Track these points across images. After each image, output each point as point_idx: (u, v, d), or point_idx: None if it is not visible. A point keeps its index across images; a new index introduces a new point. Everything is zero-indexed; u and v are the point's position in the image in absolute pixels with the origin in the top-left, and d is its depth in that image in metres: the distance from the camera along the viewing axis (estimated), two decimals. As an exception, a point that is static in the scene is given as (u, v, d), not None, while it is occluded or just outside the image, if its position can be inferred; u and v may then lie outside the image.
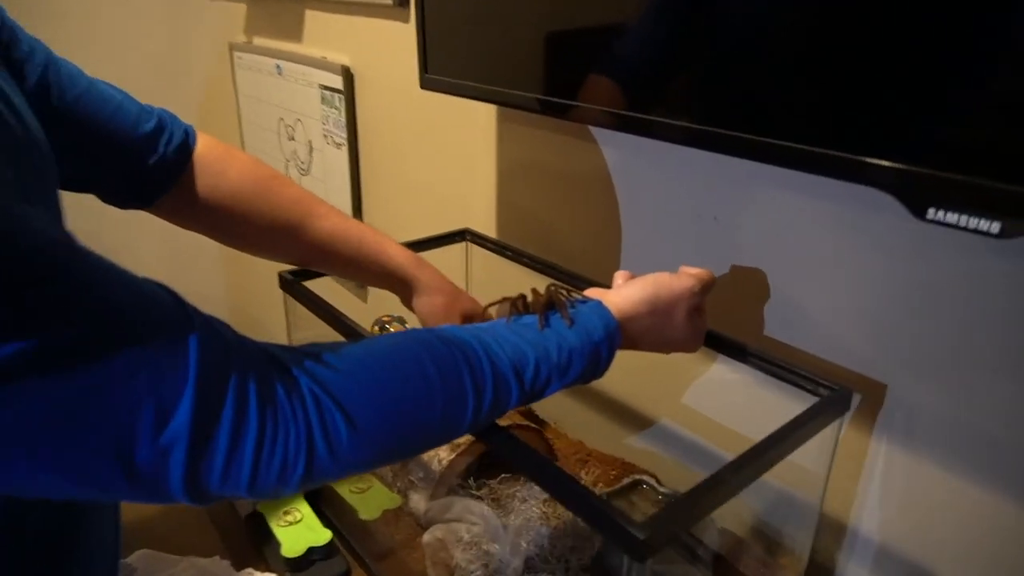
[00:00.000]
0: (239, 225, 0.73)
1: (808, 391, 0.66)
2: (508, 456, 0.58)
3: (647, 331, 0.62)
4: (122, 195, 0.69)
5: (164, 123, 0.69)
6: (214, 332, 0.42)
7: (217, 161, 0.71)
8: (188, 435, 0.39)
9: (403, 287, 0.79)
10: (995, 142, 0.48)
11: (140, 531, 0.92)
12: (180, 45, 1.83)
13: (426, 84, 0.96)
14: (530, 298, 0.60)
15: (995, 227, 0.48)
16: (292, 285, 0.86)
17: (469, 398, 0.52)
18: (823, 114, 0.55)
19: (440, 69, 0.93)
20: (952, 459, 0.68)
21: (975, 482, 0.67)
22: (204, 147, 0.71)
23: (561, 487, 0.54)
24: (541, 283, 0.93)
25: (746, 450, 0.55)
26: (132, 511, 0.77)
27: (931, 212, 0.51)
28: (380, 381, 0.48)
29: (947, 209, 0.50)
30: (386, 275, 0.78)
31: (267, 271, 0.90)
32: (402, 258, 0.78)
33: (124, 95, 0.68)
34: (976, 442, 0.66)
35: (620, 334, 0.59)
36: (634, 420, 0.97)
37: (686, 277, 0.64)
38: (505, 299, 0.62)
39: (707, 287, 0.66)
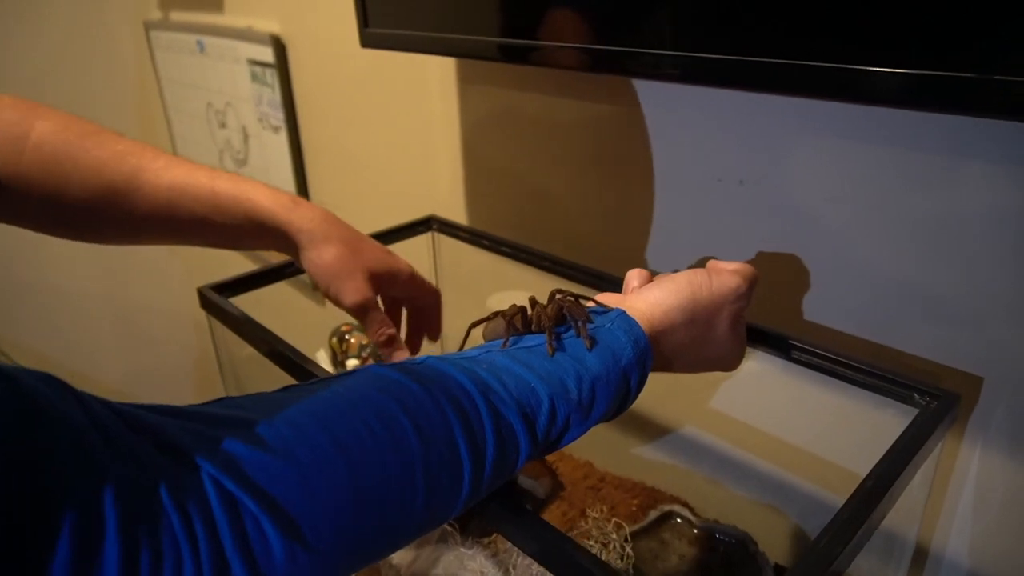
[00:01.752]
0: (46, 201, 0.53)
1: (892, 396, 0.51)
2: (479, 514, 0.42)
3: (683, 348, 0.47)
4: None
5: None
6: (22, 413, 0.24)
7: (16, 123, 0.52)
8: None
9: (284, 242, 0.58)
10: None
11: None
12: (89, 28, 1.60)
13: (368, 41, 0.78)
14: (530, 311, 0.44)
15: None
16: (215, 303, 0.68)
17: (465, 467, 0.35)
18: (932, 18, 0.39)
19: (383, 21, 0.76)
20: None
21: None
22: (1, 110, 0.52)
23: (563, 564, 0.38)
24: (529, 277, 0.77)
25: (850, 500, 0.39)
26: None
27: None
28: (332, 458, 0.31)
29: None
30: (255, 230, 0.57)
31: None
32: (270, 201, 0.56)
33: None
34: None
35: (652, 353, 0.43)
36: (652, 431, 0.81)
37: (728, 275, 0.48)
38: (498, 314, 0.45)
39: (753, 285, 0.50)
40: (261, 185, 0.57)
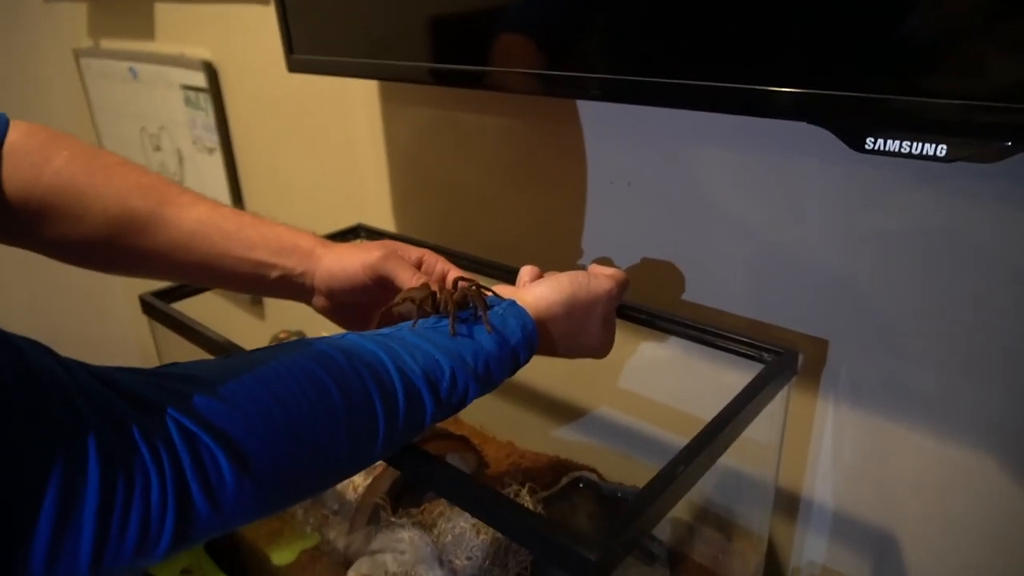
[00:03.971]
0: (61, 227, 0.54)
1: (749, 357, 0.60)
2: (422, 480, 0.49)
3: (563, 336, 0.56)
4: None
5: None
6: (24, 375, 0.30)
7: (36, 150, 0.54)
8: None
9: (302, 257, 0.58)
10: (934, 55, 0.42)
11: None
12: (17, 56, 1.62)
13: (294, 66, 0.85)
14: (439, 295, 0.51)
15: (941, 150, 0.43)
16: (158, 308, 0.73)
17: (380, 421, 0.43)
18: (735, 45, 0.48)
19: (308, 47, 0.83)
20: (903, 412, 0.64)
21: (929, 433, 0.63)
22: (20, 136, 0.54)
23: (485, 508, 0.46)
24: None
25: (696, 435, 0.48)
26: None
27: (869, 142, 0.45)
28: (271, 408, 0.38)
29: (887, 137, 0.44)
30: (277, 253, 0.58)
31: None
32: (294, 232, 0.59)
33: None
34: (927, 391, 0.62)
35: (537, 338, 0.52)
36: (565, 412, 0.90)
37: (604, 279, 0.58)
38: (408, 298, 0.52)
39: (623, 289, 0.60)
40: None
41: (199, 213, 0.57)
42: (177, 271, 0.59)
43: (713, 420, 0.49)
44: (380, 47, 0.75)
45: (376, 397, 0.42)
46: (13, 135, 0.54)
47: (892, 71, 0.42)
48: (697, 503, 0.79)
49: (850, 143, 0.46)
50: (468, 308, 0.51)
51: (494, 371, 0.48)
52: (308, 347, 0.43)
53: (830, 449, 0.70)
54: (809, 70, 0.45)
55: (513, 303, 0.52)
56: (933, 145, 0.42)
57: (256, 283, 0.59)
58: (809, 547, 0.75)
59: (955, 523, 0.65)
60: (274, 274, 0.58)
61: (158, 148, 1.45)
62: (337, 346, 0.44)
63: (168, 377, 0.37)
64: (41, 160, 0.54)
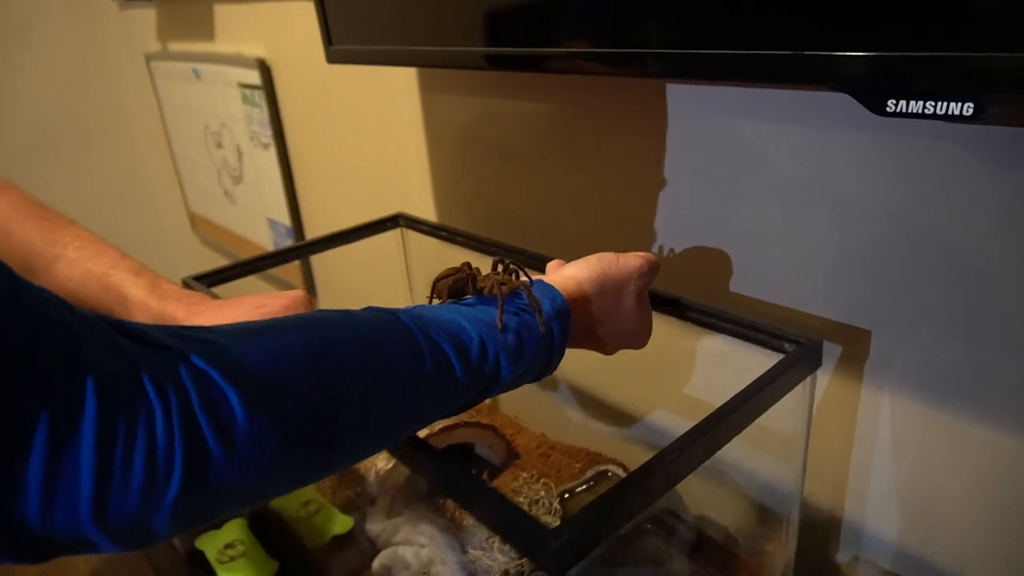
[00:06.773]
0: None
1: (774, 348, 0.57)
2: (404, 459, 0.48)
3: (598, 317, 0.53)
4: None
5: None
6: (14, 310, 0.29)
7: None
8: None
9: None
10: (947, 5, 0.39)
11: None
12: (95, 63, 1.72)
13: (333, 57, 0.86)
14: (479, 277, 0.50)
15: (968, 108, 0.39)
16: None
17: (404, 378, 0.41)
18: (747, 10, 0.46)
19: (346, 37, 0.84)
20: (949, 401, 0.59)
21: (975, 420, 0.58)
22: None
23: (456, 489, 0.45)
24: (487, 264, 0.84)
25: (693, 426, 0.46)
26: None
27: (891, 104, 0.42)
28: (287, 351, 0.36)
29: (908, 98, 0.41)
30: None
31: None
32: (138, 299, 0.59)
33: None
34: (972, 378, 0.57)
35: (570, 315, 0.50)
36: (599, 406, 0.87)
37: (633, 257, 0.56)
38: (442, 278, 0.51)
39: (654, 268, 0.57)
40: (146, 276, 0.60)
41: (83, 270, 0.59)
42: None
43: (716, 411, 0.47)
44: (420, 33, 0.74)
45: (401, 361, 0.40)
46: None
47: (908, 23, 0.39)
48: (725, 500, 0.75)
49: (871, 107, 0.43)
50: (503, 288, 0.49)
51: (527, 343, 0.46)
52: (325, 312, 0.42)
53: (871, 443, 0.66)
54: (823, 31, 0.42)
55: (540, 281, 0.51)
56: (959, 104, 0.39)
57: None
58: (846, 543, 0.70)
59: (1006, 518, 0.60)
60: None
61: (220, 145, 1.50)
62: (359, 313, 0.43)
63: (182, 327, 0.36)
64: None
